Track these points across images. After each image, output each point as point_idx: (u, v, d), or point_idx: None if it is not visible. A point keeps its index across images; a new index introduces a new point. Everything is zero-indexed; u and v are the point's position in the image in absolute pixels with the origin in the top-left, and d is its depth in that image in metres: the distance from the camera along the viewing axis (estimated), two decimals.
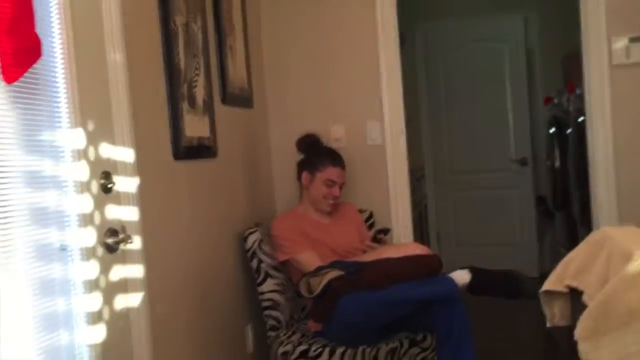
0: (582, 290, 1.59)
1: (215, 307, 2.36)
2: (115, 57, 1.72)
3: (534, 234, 4.93)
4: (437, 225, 5.20)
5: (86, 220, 1.56)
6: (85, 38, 1.60)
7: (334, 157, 2.67)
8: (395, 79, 3.08)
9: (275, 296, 2.55)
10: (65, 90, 1.50)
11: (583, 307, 1.47)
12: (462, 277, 2.33)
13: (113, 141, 1.71)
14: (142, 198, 1.81)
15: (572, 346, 1.40)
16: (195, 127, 2.24)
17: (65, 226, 1.50)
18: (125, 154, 1.74)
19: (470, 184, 5.06)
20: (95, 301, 1.58)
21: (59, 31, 1.50)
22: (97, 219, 1.61)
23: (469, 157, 5.03)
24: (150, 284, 1.82)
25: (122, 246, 1.65)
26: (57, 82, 1.49)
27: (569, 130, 4.01)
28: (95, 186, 1.61)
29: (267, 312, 2.54)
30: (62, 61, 1.50)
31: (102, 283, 1.62)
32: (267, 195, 3.13)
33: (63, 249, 1.49)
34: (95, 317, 1.57)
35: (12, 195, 1.30)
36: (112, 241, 1.63)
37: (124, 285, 1.73)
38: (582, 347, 1.36)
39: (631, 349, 1.25)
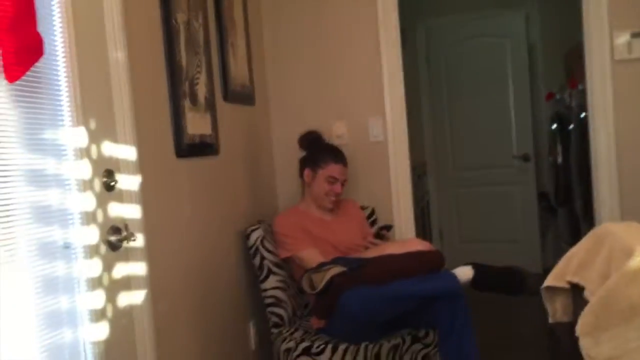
0: (583, 286, 1.59)
1: (217, 304, 2.37)
2: (117, 55, 1.72)
3: (536, 230, 4.93)
4: (440, 221, 5.20)
5: (89, 218, 1.56)
6: (87, 36, 1.61)
7: (336, 154, 2.68)
8: (397, 75, 3.07)
9: (278, 293, 2.55)
10: (67, 89, 1.51)
11: (584, 302, 1.47)
12: (465, 273, 2.33)
13: (115, 139, 1.71)
14: (145, 196, 1.81)
15: (574, 342, 1.41)
16: (197, 124, 2.24)
17: (69, 224, 1.51)
18: (128, 152, 1.75)
19: (472, 180, 5.06)
20: (98, 299, 1.59)
21: (60, 29, 1.50)
22: (99, 217, 1.61)
23: (471, 153, 5.03)
24: (153, 281, 1.83)
25: (125, 244, 1.66)
26: (59, 81, 1.49)
27: (571, 126, 4.00)
28: (97, 184, 1.61)
29: (269, 309, 2.54)
30: (63, 59, 1.51)
31: (105, 281, 1.63)
32: (269, 192, 3.13)
33: (66, 247, 1.49)
34: (98, 315, 1.58)
35: (15, 194, 1.31)
36: (115, 239, 1.64)
37: (127, 283, 1.73)
38: (583, 343, 1.36)
39: (632, 344, 1.26)
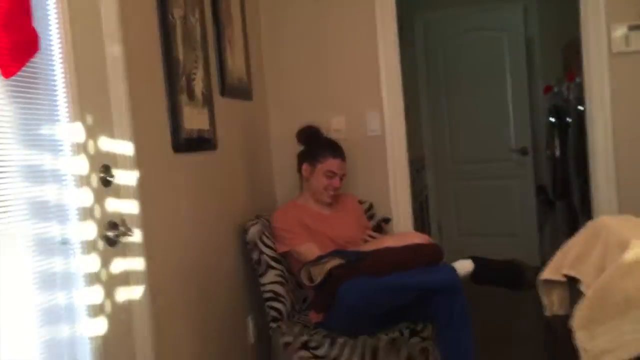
0: (579, 279, 1.60)
1: (216, 298, 2.37)
2: (114, 50, 1.72)
3: (534, 223, 4.94)
4: (438, 215, 5.21)
5: (86, 213, 1.56)
6: (83, 31, 1.60)
7: (334, 149, 2.68)
8: (395, 69, 3.07)
9: (277, 288, 2.56)
10: (63, 84, 1.50)
11: (580, 295, 1.48)
12: (464, 266, 2.34)
13: (112, 134, 1.71)
14: (142, 191, 1.81)
15: (571, 335, 1.41)
16: (194, 119, 2.24)
17: (66, 220, 1.51)
18: (125, 147, 1.75)
19: (470, 174, 5.06)
20: (96, 294, 1.59)
21: (56, 25, 1.49)
22: (97, 212, 1.61)
23: (469, 147, 5.03)
24: (151, 276, 1.83)
25: (122, 239, 1.66)
26: (55, 76, 1.49)
27: (568, 119, 4.01)
28: (95, 180, 1.61)
29: (268, 304, 2.55)
30: (60, 55, 1.50)
31: (104, 276, 1.63)
32: (267, 187, 3.14)
33: (64, 242, 1.49)
34: (96, 310, 1.58)
35: (12, 190, 1.31)
36: (112, 234, 1.64)
37: (125, 278, 1.74)
38: (579, 336, 1.37)
39: (627, 337, 1.26)
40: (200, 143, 2.31)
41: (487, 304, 3.08)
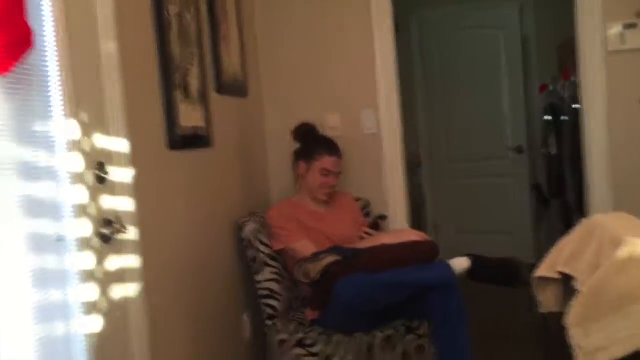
0: (574, 277, 1.61)
1: (212, 296, 2.37)
2: (108, 46, 1.71)
3: (530, 221, 4.94)
4: (434, 213, 5.21)
5: (81, 211, 1.56)
6: (78, 28, 1.60)
7: (330, 146, 2.67)
8: (391, 67, 3.07)
9: (273, 285, 2.56)
10: (58, 81, 1.50)
11: (575, 293, 1.48)
12: (461, 264, 2.34)
13: (107, 132, 1.70)
14: (137, 188, 1.81)
15: (565, 332, 1.42)
16: (189, 116, 2.23)
17: (61, 217, 1.50)
18: (120, 144, 1.74)
19: (466, 172, 5.06)
20: (91, 291, 1.59)
21: (51, 21, 1.49)
22: (92, 209, 1.61)
23: (465, 145, 5.03)
24: (146, 273, 1.83)
25: (117, 236, 1.66)
26: (49, 73, 1.48)
27: (564, 118, 4.01)
28: (89, 177, 1.61)
29: (264, 301, 2.54)
30: (54, 51, 1.50)
31: (99, 273, 1.63)
32: (263, 184, 3.13)
33: (59, 239, 1.49)
34: (91, 308, 1.58)
35: (7, 187, 1.30)
36: (107, 232, 1.63)
37: (121, 276, 1.73)
38: (573, 333, 1.37)
39: (621, 334, 1.27)
40: (195, 140, 2.30)
41: (481, 301, 3.09)
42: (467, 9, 4.92)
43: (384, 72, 3.06)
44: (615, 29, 2.85)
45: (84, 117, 1.60)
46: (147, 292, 1.83)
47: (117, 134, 1.73)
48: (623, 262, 1.32)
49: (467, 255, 2.37)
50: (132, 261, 1.77)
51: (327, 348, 2.29)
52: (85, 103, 1.60)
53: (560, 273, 1.76)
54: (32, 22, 1.34)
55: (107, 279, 1.66)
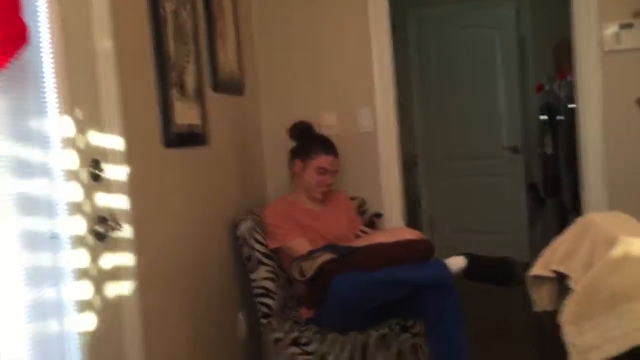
0: (568, 275, 1.61)
1: (207, 294, 2.37)
2: (104, 43, 1.71)
3: (525, 221, 4.96)
4: (430, 212, 5.22)
5: (76, 208, 1.55)
6: (73, 24, 1.59)
7: (326, 145, 2.67)
8: (387, 66, 3.08)
9: (268, 284, 2.56)
10: (52, 77, 1.49)
11: (569, 291, 1.49)
12: (457, 262, 2.34)
13: (102, 129, 1.70)
14: (132, 186, 1.81)
15: (560, 330, 1.42)
16: (185, 114, 2.23)
17: (55, 214, 1.50)
18: (115, 142, 1.74)
19: (462, 171, 5.07)
20: (86, 289, 1.58)
21: (46, 17, 1.48)
22: (86, 207, 1.60)
23: (461, 144, 5.04)
24: (141, 271, 1.82)
25: (111, 234, 1.65)
26: (44, 69, 1.47)
27: (560, 117, 4.02)
28: (84, 174, 1.60)
29: (259, 300, 2.54)
30: (49, 48, 1.49)
31: (93, 271, 1.62)
32: (259, 182, 3.13)
33: (53, 237, 1.48)
34: (85, 305, 1.58)
35: (1, 184, 1.30)
36: (102, 229, 1.63)
37: (115, 274, 1.73)
38: (567, 331, 1.38)
39: (614, 332, 1.27)
40: (191, 138, 2.30)
41: (477, 299, 3.09)
42: (464, 9, 4.94)
43: (380, 70, 3.06)
44: (611, 29, 2.86)
45: (79, 114, 1.59)
46: (142, 290, 1.83)
47: (112, 132, 1.73)
48: (617, 261, 1.33)
49: (463, 254, 2.38)
50: (126, 259, 1.77)
51: (322, 347, 2.29)
52: (80, 100, 1.60)
53: (555, 272, 1.76)
54: (27, 18, 1.33)
55: (101, 277, 1.66)
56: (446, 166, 5.15)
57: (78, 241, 1.55)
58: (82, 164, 1.59)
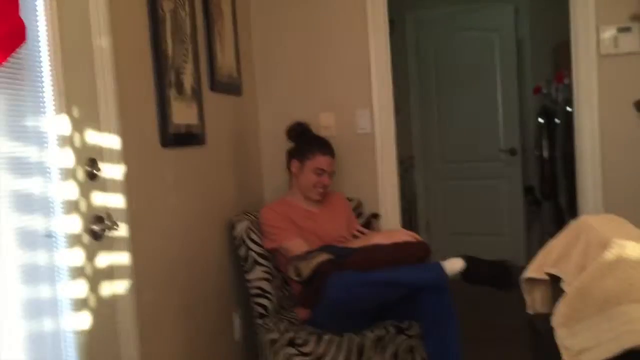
0: (561, 278, 1.61)
1: (202, 294, 2.37)
2: (101, 42, 1.71)
3: (522, 223, 4.96)
4: (427, 214, 5.22)
5: (72, 206, 1.55)
6: (71, 22, 1.59)
7: (323, 146, 2.68)
8: (385, 67, 3.08)
9: (263, 284, 2.56)
10: (50, 76, 1.49)
11: (562, 293, 1.49)
12: (455, 264, 2.32)
13: (99, 128, 1.70)
14: (129, 185, 1.81)
15: (553, 333, 1.42)
16: (183, 114, 2.23)
17: (51, 213, 1.49)
18: (111, 141, 1.74)
19: (459, 173, 5.08)
20: (81, 288, 1.58)
21: (43, 15, 1.48)
22: (82, 205, 1.60)
23: (458, 146, 5.05)
24: (137, 271, 1.82)
25: (107, 233, 1.65)
26: (41, 67, 1.47)
27: (557, 120, 4.03)
28: (80, 173, 1.60)
29: (254, 300, 2.54)
30: (47, 46, 1.49)
31: (88, 270, 1.62)
32: (256, 183, 3.13)
33: (48, 235, 1.48)
34: (81, 304, 1.58)
35: None
36: (97, 228, 1.63)
37: (110, 273, 1.73)
38: (559, 334, 1.38)
39: (606, 335, 1.27)
40: (188, 138, 2.30)
41: (470, 302, 3.09)
42: (463, 11, 4.94)
43: (378, 72, 3.06)
44: (609, 33, 2.87)
45: (76, 112, 1.59)
46: (137, 289, 1.83)
47: (109, 130, 1.73)
48: (609, 264, 1.33)
49: (462, 256, 2.37)
50: (122, 258, 1.77)
51: (318, 348, 2.29)
52: (77, 98, 1.60)
53: (548, 274, 1.77)
54: (24, 16, 1.33)
55: (96, 276, 1.66)
56: (443, 168, 5.15)
57: (74, 240, 1.55)
58: (79, 163, 1.59)
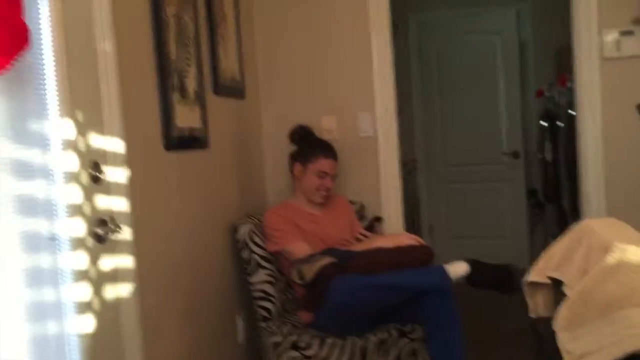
0: (563, 281, 1.61)
1: (206, 297, 2.37)
2: (105, 46, 1.72)
3: (525, 226, 4.95)
4: (429, 217, 5.22)
5: (75, 210, 1.56)
6: (75, 27, 1.60)
7: (326, 149, 2.68)
8: (388, 70, 3.08)
9: (267, 287, 2.56)
10: (54, 80, 1.50)
11: (564, 297, 1.49)
12: (460, 268, 2.32)
13: (102, 131, 1.70)
14: (132, 188, 1.81)
15: (555, 337, 1.42)
16: (186, 117, 2.23)
17: (55, 216, 1.50)
18: (115, 144, 1.74)
19: (462, 177, 5.08)
20: (84, 291, 1.58)
21: (48, 20, 1.49)
22: (86, 209, 1.61)
23: (461, 149, 5.04)
24: (140, 274, 1.83)
25: (111, 236, 1.66)
26: (45, 72, 1.48)
27: (560, 123, 4.03)
28: (84, 176, 1.61)
29: (258, 303, 2.55)
30: (51, 50, 1.49)
31: (92, 273, 1.62)
32: (259, 186, 3.14)
33: (52, 239, 1.49)
34: (85, 308, 1.58)
35: (1, 185, 1.30)
36: (101, 231, 1.63)
37: (114, 276, 1.73)
38: (561, 338, 1.38)
39: (608, 339, 1.27)
40: (191, 141, 2.31)
41: (473, 305, 3.09)
42: (465, 14, 4.94)
43: (380, 75, 3.07)
44: (611, 36, 2.87)
45: (80, 116, 1.60)
46: (141, 292, 1.83)
47: (113, 134, 1.74)
48: (611, 268, 1.33)
49: (466, 260, 2.36)
50: (125, 261, 1.77)
51: (321, 351, 2.29)
52: (81, 102, 1.60)
53: (550, 278, 1.77)
54: (28, 20, 1.34)
55: (100, 279, 1.66)
56: (446, 171, 5.15)
57: (77, 243, 1.56)
58: (82, 166, 1.60)
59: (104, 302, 1.67)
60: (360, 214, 2.99)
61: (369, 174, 3.10)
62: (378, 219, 2.95)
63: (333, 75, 3.12)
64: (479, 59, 4.90)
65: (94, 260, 1.63)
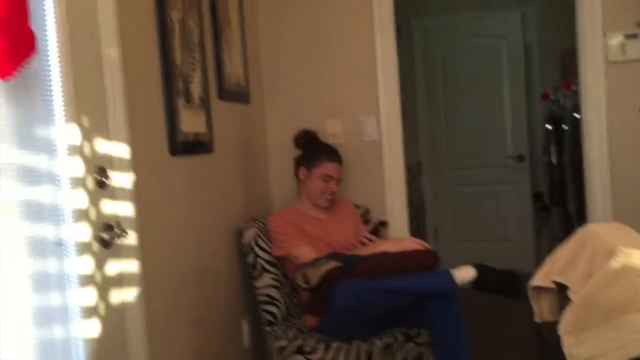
0: (568, 286, 1.61)
1: (211, 302, 2.37)
2: (111, 52, 1.73)
3: (530, 230, 4.94)
4: (435, 221, 5.21)
5: (81, 215, 1.57)
6: (81, 33, 1.61)
7: (330, 152, 2.69)
8: (392, 74, 3.08)
9: (272, 291, 2.56)
10: (60, 86, 1.51)
11: (569, 302, 1.49)
12: (467, 272, 2.31)
13: (108, 136, 1.71)
14: (138, 193, 1.82)
15: (559, 341, 1.42)
16: (191, 122, 2.24)
17: (61, 221, 1.51)
18: (121, 150, 1.75)
19: (467, 180, 5.07)
20: (90, 296, 1.59)
21: (54, 26, 1.50)
22: (92, 214, 1.61)
23: (466, 153, 5.04)
24: (146, 279, 1.83)
25: (117, 241, 1.66)
26: (51, 77, 1.49)
27: (565, 127, 4.02)
28: (90, 181, 1.62)
29: (263, 307, 2.55)
30: (57, 56, 1.50)
31: (98, 278, 1.63)
32: (264, 190, 3.14)
33: (58, 244, 1.50)
34: (90, 312, 1.58)
35: (7, 191, 1.31)
36: (107, 236, 1.64)
37: (120, 280, 1.74)
38: (565, 342, 1.37)
39: (613, 344, 1.27)
40: (197, 146, 2.32)
41: (479, 310, 3.08)
42: (470, 17, 4.95)
43: (385, 79, 3.07)
44: (616, 39, 2.86)
45: (86, 121, 1.61)
46: (147, 297, 1.84)
47: (118, 139, 1.74)
48: (616, 273, 1.33)
49: (473, 264, 2.35)
50: (131, 266, 1.78)
51: (327, 355, 2.29)
52: (86, 108, 1.61)
53: (555, 282, 1.76)
54: (35, 27, 1.35)
55: (106, 284, 1.67)
56: (451, 174, 5.14)
57: (83, 248, 1.57)
58: (88, 171, 1.61)
59: (109, 307, 1.68)
60: (365, 218, 2.99)
61: (374, 178, 3.11)
62: (383, 223, 2.95)
63: (337, 79, 3.13)
64: (484, 63, 4.90)
65: (100, 265, 1.64)
